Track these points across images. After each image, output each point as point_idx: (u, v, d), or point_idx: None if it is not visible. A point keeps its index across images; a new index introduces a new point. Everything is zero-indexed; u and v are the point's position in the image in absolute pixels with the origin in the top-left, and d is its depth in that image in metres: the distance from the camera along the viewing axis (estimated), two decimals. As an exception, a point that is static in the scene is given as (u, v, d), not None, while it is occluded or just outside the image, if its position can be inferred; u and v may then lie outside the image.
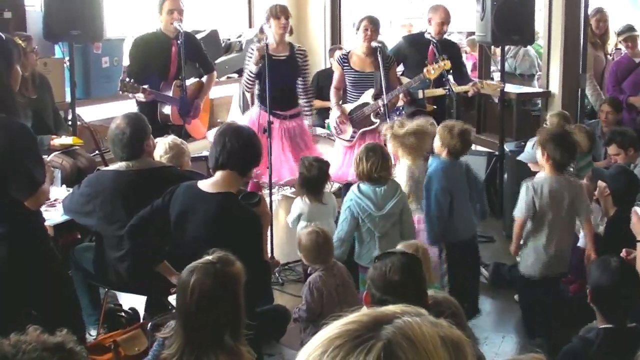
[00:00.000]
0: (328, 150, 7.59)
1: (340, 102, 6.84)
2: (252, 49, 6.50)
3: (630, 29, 7.86)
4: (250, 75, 6.54)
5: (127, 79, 6.16)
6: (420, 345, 1.15)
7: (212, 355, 2.92)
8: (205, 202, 3.85)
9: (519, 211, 5.02)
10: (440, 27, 7.13)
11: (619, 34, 8.05)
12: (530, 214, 4.98)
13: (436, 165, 5.18)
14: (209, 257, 3.03)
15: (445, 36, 7.40)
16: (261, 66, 6.30)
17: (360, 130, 6.66)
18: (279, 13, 6.51)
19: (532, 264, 5.04)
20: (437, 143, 5.22)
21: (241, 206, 3.90)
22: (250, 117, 6.77)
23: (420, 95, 6.96)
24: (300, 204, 5.35)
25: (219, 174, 3.89)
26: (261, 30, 6.74)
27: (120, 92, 6.36)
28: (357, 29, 6.64)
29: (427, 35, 7.14)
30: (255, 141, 4.00)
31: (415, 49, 7.19)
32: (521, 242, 5.12)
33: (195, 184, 3.92)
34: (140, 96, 6.24)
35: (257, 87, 6.70)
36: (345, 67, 6.73)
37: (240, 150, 3.86)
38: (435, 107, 7.22)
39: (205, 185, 3.90)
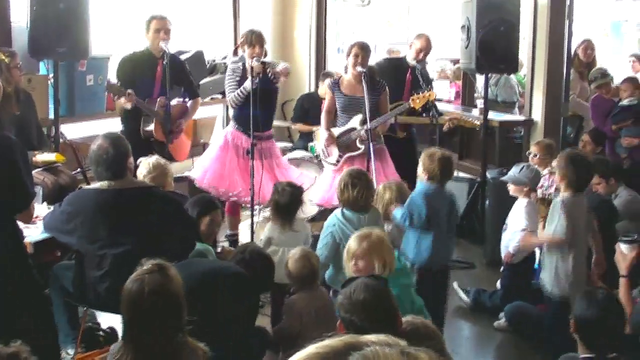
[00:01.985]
0: (310, 173, 7.61)
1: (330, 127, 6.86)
2: (231, 69, 6.66)
3: (603, 75, 7.93)
4: (242, 93, 6.51)
5: (114, 81, 6.18)
6: None
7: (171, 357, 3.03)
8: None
9: (561, 232, 4.93)
10: (417, 53, 7.26)
11: (590, 82, 8.11)
12: (570, 235, 4.92)
13: (420, 189, 5.19)
14: (147, 267, 3.12)
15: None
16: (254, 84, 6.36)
17: (346, 155, 6.66)
18: (254, 41, 6.54)
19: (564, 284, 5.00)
20: (419, 168, 5.23)
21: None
22: (225, 138, 6.84)
23: (392, 120, 6.96)
24: (271, 228, 5.33)
25: None
26: (235, 53, 6.74)
27: (105, 93, 6.38)
28: (348, 54, 6.64)
29: (411, 61, 7.22)
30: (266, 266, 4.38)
31: (394, 72, 7.24)
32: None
33: None
34: (124, 101, 6.25)
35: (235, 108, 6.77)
36: (336, 92, 6.74)
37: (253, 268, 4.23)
38: (405, 134, 7.27)
39: None
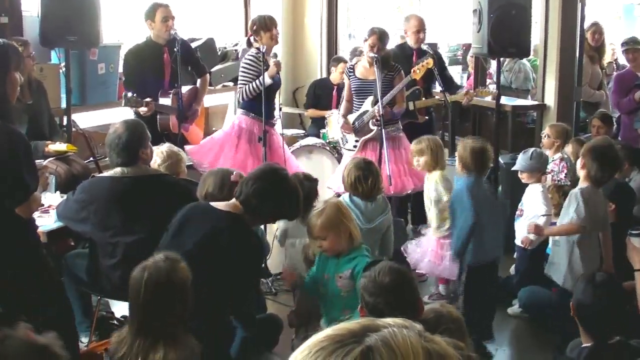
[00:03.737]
0: (322, 160, 7.61)
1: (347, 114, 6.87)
2: (251, 61, 6.48)
3: (634, 41, 7.92)
4: (258, 87, 6.37)
5: (130, 94, 6.17)
6: (399, 355, 1.17)
7: (161, 347, 3.05)
8: (213, 214, 3.86)
9: (580, 218, 4.81)
10: (416, 35, 7.25)
11: (622, 44, 8.11)
12: (589, 221, 4.81)
13: (461, 184, 5.12)
14: (158, 257, 3.17)
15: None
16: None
17: (362, 139, 6.65)
18: (270, 24, 6.49)
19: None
20: (457, 160, 5.16)
21: (248, 231, 3.89)
22: (241, 126, 6.66)
23: (412, 107, 6.97)
24: (286, 221, 5.31)
25: (236, 202, 3.90)
26: (249, 44, 6.66)
27: (124, 107, 6.36)
28: (365, 40, 6.64)
29: (414, 45, 7.24)
30: (286, 192, 3.96)
31: (401, 60, 7.21)
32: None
33: (205, 202, 4.00)
34: (144, 110, 6.25)
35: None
36: (351, 77, 6.77)
37: (263, 200, 3.85)
38: (427, 117, 7.26)
39: (217, 204, 3.93)
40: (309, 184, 5.29)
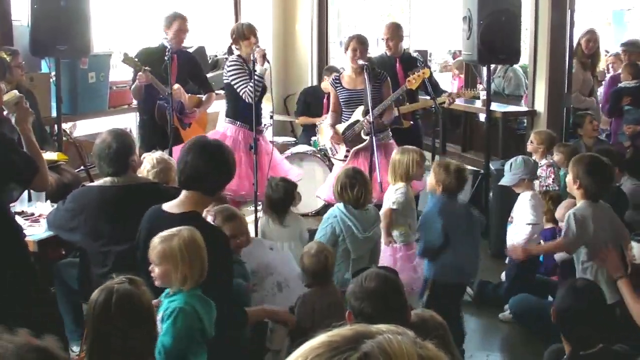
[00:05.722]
0: (314, 167, 7.61)
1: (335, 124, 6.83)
2: (237, 62, 6.54)
3: (634, 44, 8.05)
4: (259, 80, 6.36)
5: (132, 56, 6.24)
6: None
7: None
8: (168, 223, 3.66)
9: (567, 237, 4.69)
10: (384, 42, 7.39)
11: (621, 45, 8.21)
12: (581, 243, 4.68)
13: (434, 204, 5.06)
14: (115, 280, 2.99)
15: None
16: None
17: (354, 149, 6.64)
18: (247, 33, 6.53)
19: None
20: (431, 180, 5.08)
21: (206, 225, 3.80)
22: (226, 134, 6.64)
23: (395, 112, 6.96)
24: (264, 223, 5.32)
25: (183, 194, 3.81)
26: (230, 52, 6.69)
27: (122, 62, 6.48)
28: (346, 48, 6.63)
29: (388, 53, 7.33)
30: (221, 158, 3.85)
31: (384, 67, 7.21)
32: None
33: (159, 207, 3.85)
34: (141, 76, 6.34)
35: (231, 103, 6.69)
36: (338, 88, 6.72)
37: (203, 169, 3.75)
38: (412, 122, 7.26)
39: (170, 206, 3.82)
40: (284, 185, 5.29)
